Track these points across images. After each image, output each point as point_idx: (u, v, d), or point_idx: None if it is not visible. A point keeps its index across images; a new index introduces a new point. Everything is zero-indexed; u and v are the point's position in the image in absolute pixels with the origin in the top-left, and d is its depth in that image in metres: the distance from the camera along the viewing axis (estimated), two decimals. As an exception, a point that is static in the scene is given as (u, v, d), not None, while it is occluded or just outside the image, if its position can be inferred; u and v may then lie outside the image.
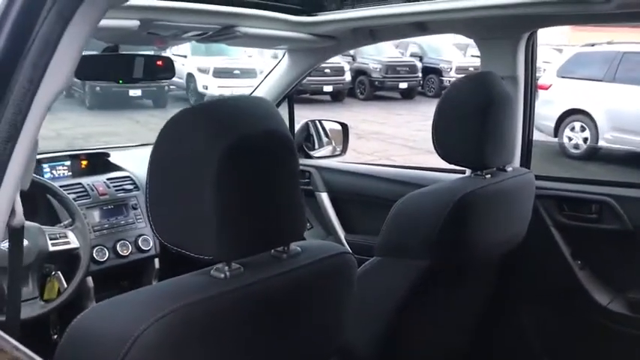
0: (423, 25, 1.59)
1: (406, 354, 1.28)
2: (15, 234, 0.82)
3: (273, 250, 0.82)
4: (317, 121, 2.30)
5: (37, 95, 0.63)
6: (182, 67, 10.85)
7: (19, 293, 1.17)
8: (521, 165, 1.61)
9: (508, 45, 1.53)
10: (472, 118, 1.19)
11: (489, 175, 1.26)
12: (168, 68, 1.53)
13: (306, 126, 2.26)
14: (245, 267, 0.77)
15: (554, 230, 1.55)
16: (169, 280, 0.77)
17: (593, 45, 7.05)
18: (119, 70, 1.47)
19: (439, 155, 1.23)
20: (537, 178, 1.47)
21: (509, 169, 1.34)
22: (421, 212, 1.20)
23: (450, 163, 1.26)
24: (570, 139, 6.91)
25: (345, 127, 2.27)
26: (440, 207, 1.16)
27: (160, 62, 1.50)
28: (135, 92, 9.89)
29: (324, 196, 2.05)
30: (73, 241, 1.55)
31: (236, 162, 0.72)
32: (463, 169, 1.53)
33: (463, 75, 1.34)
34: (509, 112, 1.27)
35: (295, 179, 0.81)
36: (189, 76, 10.94)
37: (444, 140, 1.22)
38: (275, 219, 0.78)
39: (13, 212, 0.65)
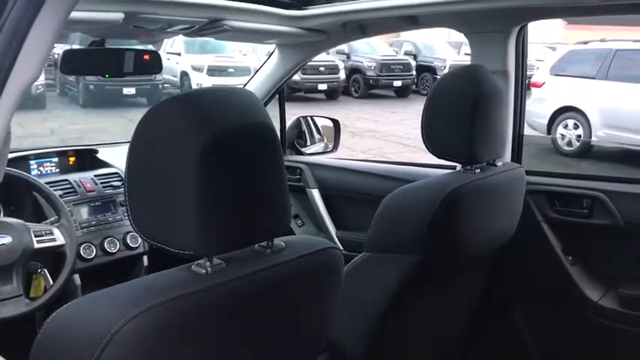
0: (413, 19, 1.58)
1: (397, 350, 1.27)
2: None
3: (256, 245, 0.80)
4: (309, 117, 2.28)
5: (6, 86, 0.61)
6: (176, 65, 10.83)
7: None
8: (512, 160, 1.60)
9: (498, 39, 1.52)
10: (461, 112, 1.18)
11: (479, 170, 1.25)
12: (155, 62, 1.51)
13: (297, 122, 2.25)
14: (227, 262, 0.75)
15: (546, 225, 1.54)
16: (149, 275, 0.75)
17: (586, 43, 7.08)
18: (106, 65, 1.45)
19: (429, 150, 1.22)
20: (528, 173, 1.46)
21: (500, 163, 1.33)
22: (410, 207, 1.18)
23: (439, 158, 1.25)
24: (563, 136, 6.93)
25: (336, 124, 2.26)
26: (429, 202, 1.15)
27: (147, 56, 1.48)
28: (129, 90, 9.84)
29: (316, 193, 2.03)
30: (58, 238, 1.53)
31: (217, 155, 0.70)
32: (454, 164, 1.52)
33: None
34: (500, 106, 1.26)
35: (279, 172, 0.79)
36: (184, 74, 10.90)
37: (433, 135, 1.21)
38: (258, 213, 0.76)
39: None
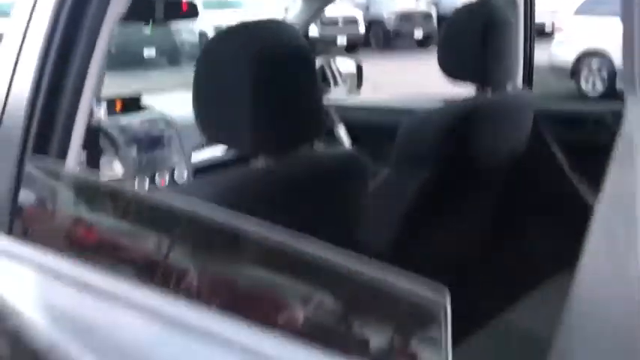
0: None
1: (417, 257, 1.42)
2: (93, 132, 0.94)
3: (299, 148, 0.97)
4: (330, 60, 2.39)
5: (106, 15, 0.79)
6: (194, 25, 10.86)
7: None
8: (523, 84, 1.71)
9: None
10: (474, 37, 1.30)
11: (490, 92, 1.38)
12: (192, 9, 1.67)
13: (320, 68, 2.37)
14: (276, 160, 0.92)
15: (554, 146, 1.67)
16: (216, 172, 0.94)
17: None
18: (149, 11, 1.61)
19: (443, 71, 1.34)
20: (537, 97, 1.58)
21: (510, 87, 1.45)
22: (425, 126, 1.32)
23: (453, 78, 1.37)
24: (588, 80, 6.86)
25: (359, 67, 2.38)
26: (442, 120, 1.29)
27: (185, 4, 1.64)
28: (149, 52, 10.01)
29: (342, 131, 2.18)
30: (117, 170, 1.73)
31: (267, 70, 0.86)
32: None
33: None
34: (509, 34, 1.37)
35: (316, 86, 0.96)
36: (202, 35, 10.94)
37: (448, 58, 1.34)
38: (301, 120, 0.93)
39: (91, 113, 0.82)
